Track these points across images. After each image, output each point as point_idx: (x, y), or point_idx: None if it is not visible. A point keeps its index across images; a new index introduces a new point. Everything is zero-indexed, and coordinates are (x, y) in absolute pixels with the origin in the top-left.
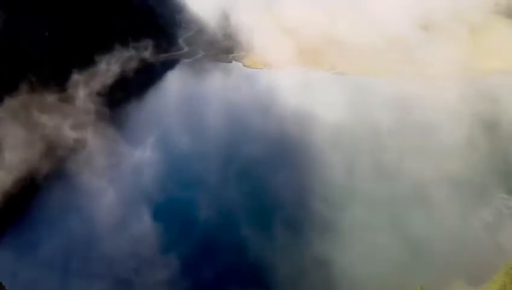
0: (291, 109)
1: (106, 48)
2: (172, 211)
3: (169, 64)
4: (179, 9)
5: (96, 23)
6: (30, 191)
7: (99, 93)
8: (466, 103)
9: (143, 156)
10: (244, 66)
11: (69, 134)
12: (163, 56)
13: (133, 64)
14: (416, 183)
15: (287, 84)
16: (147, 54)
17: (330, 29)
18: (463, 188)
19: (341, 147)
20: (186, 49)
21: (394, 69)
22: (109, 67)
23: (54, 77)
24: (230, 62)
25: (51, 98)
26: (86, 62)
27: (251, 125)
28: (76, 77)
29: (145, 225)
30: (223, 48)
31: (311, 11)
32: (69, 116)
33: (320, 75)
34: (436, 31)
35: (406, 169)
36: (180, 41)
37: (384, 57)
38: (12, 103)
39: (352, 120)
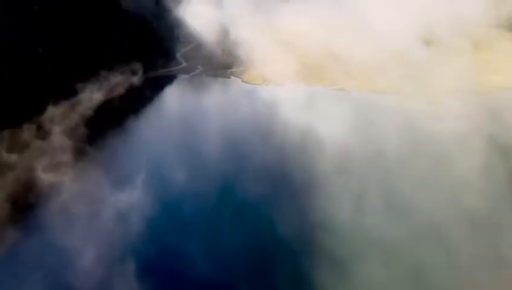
0: (293, 130)
1: (91, 72)
2: (165, 267)
3: (165, 81)
4: (177, 24)
5: (82, 45)
6: None
7: (79, 127)
8: (475, 123)
9: (130, 200)
10: (243, 81)
11: (43, 177)
12: (160, 72)
13: (121, 90)
14: (431, 219)
15: (288, 102)
16: (137, 78)
17: (331, 44)
18: (482, 225)
19: (347, 175)
20: (184, 64)
21: (397, 85)
22: (93, 95)
23: (25, 110)
24: (229, 78)
25: (22, 134)
26: (66, 91)
27: (250, 152)
28: (52, 109)
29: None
30: (221, 63)
31: (311, 25)
32: (43, 156)
33: (321, 91)
34: (439, 46)
35: (419, 202)
36: (178, 56)
37: (387, 73)
38: None
39: (358, 143)
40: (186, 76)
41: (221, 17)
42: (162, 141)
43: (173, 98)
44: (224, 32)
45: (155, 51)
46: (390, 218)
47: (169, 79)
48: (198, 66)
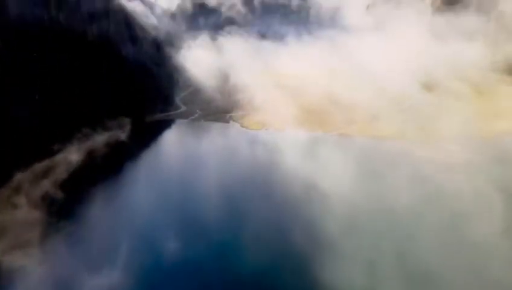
0: (294, 181)
1: (73, 129)
2: None
3: (163, 125)
4: (177, 69)
5: (69, 97)
6: None
7: (52, 196)
8: (485, 173)
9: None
10: (242, 126)
11: (4, 259)
12: (158, 116)
13: (105, 149)
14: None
15: (288, 148)
16: (124, 134)
17: (331, 89)
18: None
19: (355, 235)
20: (183, 108)
21: (400, 130)
22: (71, 156)
23: None
24: (228, 122)
25: None
26: (39, 152)
27: (249, 210)
28: (19, 176)
29: None
30: (220, 108)
31: (311, 69)
32: (4, 234)
33: (322, 136)
34: (439, 90)
35: (436, 269)
36: (177, 100)
37: (389, 118)
38: None
39: (364, 196)
40: (184, 120)
41: (220, 62)
42: (150, 207)
43: (169, 144)
44: (224, 77)
45: (154, 95)
46: (402, 285)
47: (167, 123)
48: (197, 111)
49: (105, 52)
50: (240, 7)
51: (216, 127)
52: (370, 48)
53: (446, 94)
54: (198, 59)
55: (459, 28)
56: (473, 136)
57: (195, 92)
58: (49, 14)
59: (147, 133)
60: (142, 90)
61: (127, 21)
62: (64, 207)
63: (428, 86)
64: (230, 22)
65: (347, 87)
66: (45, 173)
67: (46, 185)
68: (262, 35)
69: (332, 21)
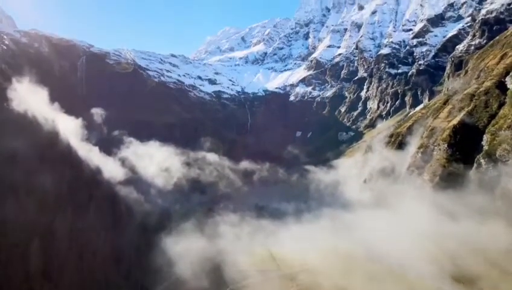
0: None
1: None
2: None
3: None
4: (161, 256)
5: None
6: None
7: None
8: None
9: None
10: None
11: None
12: None
13: None
14: None
15: None
16: None
17: (339, 280)
18: None
19: None
20: None
21: None
22: None
23: None
24: None
25: None
26: None
27: None
28: None
29: None
30: None
31: (314, 255)
32: None
33: None
34: (473, 282)
35: None
36: None
37: None
38: None
39: None
40: None
41: (212, 247)
42: None
43: None
44: (214, 266)
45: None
46: None
47: None
48: None
49: None
50: (238, 182)
51: None
52: (378, 228)
53: (482, 286)
54: (187, 245)
55: (466, 205)
56: None
57: (179, 284)
58: None
59: None
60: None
61: (113, 207)
62: None
63: (461, 279)
64: (227, 197)
65: (362, 278)
66: None
67: None
68: (260, 210)
69: (332, 197)
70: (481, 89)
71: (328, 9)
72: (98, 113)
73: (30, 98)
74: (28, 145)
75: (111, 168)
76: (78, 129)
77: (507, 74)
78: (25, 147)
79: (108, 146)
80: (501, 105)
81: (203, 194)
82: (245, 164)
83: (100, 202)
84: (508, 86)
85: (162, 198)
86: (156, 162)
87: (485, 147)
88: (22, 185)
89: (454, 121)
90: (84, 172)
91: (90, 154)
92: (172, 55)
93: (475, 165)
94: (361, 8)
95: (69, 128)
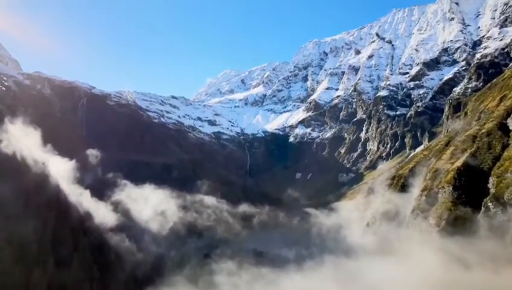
0: None
1: None
2: None
3: None
4: None
5: None
6: None
7: None
8: None
9: None
10: None
11: None
12: None
13: None
14: None
15: None
16: None
17: None
18: None
19: None
20: None
21: None
22: None
23: None
24: None
25: None
26: None
27: None
28: None
29: None
30: None
31: None
32: None
33: None
34: None
35: None
36: None
37: None
38: None
39: None
40: None
41: None
42: None
43: None
44: None
45: None
46: None
47: None
48: None
49: None
50: (236, 226)
51: None
52: (386, 277)
53: None
54: None
55: (477, 252)
56: None
57: None
58: None
59: None
60: None
61: (101, 257)
62: None
63: None
64: (224, 242)
65: None
66: None
67: None
68: (259, 256)
69: (334, 242)
70: (483, 131)
71: (326, 54)
72: (93, 154)
73: (22, 139)
74: (12, 189)
75: (102, 213)
76: (70, 171)
77: (508, 115)
78: (9, 191)
79: (102, 189)
80: (504, 147)
81: (200, 239)
82: (244, 207)
83: (86, 253)
84: (511, 128)
85: (157, 244)
86: (151, 205)
87: (492, 190)
88: (1, 232)
89: (458, 163)
90: (71, 219)
91: (81, 199)
92: (173, 97)
93: (483, 209)
94: (358, 52)
95: (60, 170)
